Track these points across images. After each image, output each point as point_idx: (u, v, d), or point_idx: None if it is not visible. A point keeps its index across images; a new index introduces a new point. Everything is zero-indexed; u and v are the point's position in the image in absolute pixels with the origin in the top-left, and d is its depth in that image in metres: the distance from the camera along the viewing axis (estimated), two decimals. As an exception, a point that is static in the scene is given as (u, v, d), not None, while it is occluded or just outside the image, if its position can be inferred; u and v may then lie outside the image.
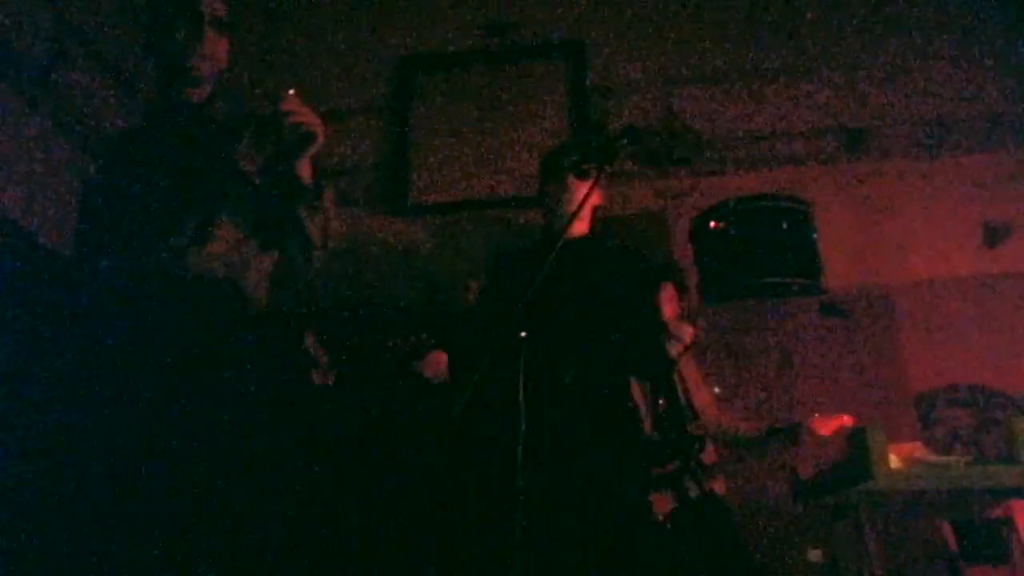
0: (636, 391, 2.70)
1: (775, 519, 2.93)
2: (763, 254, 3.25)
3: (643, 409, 2.72)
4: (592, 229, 2.49)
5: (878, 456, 1.62)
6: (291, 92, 1.71)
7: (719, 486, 2.74)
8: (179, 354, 1.67)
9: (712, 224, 3.38)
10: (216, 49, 1.92)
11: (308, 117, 1.69)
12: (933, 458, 1.64)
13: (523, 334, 1.87)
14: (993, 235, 4.13)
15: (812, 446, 2.69)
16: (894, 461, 1.68)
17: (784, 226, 3.30)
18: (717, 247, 3.35)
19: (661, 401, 2.78)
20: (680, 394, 2.80)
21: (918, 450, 1.69)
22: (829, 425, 2.68)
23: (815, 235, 3.39)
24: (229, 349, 1.75)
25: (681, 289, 2.94)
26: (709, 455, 2.75)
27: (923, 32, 4.45)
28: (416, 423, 2.77)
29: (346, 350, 2.89)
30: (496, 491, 2.05)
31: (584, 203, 2.25)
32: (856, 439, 1.71)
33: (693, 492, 2.60)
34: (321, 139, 1.75)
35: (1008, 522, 2.31)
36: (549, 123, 4.56)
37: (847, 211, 4.21)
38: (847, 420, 2.68)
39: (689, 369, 2.90)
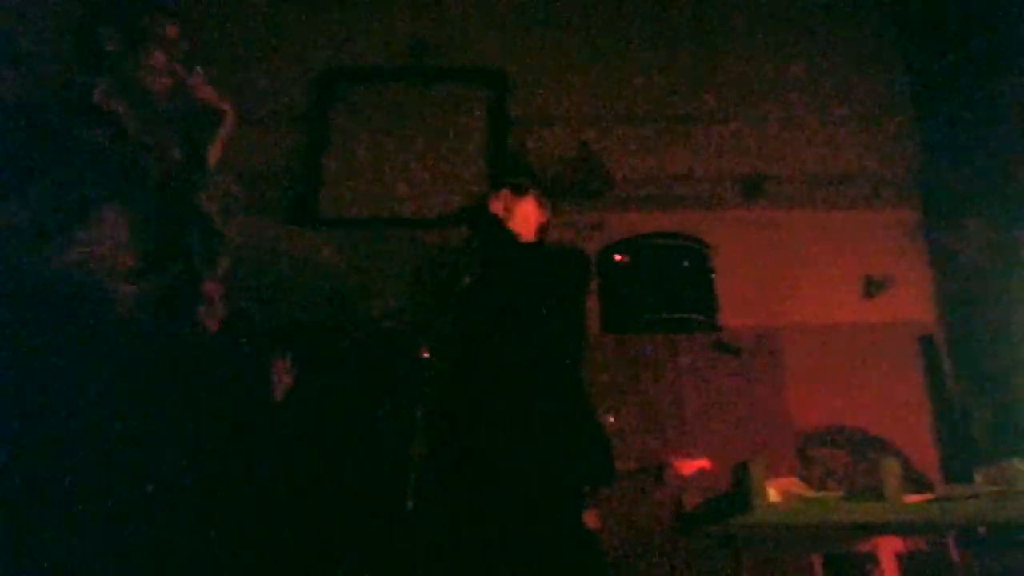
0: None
1: (662, 550, 3.01)
2: (664, 290, 3.38)
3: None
4: (539, 243, 2.51)
5: (757, 489, 1.69)
6: (198, 69, 1.65)
7: (591, 519, 2.77)
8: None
9: (617, 258, 3.49)
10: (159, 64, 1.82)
11: (215, 95, 1.63)
12: (808, 493, 1.73)
13: (425, 354, 1.86)
14: (872, 287, 4.41)
15: (674, 485, 2.80)
16: (772, 495, 1.76)
17: (685, 264, 3.44)
18: (620, 280, 3.46)
19: None
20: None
21: (795, 485, 1.78)
22: (690, 466, 2.81)
23: (713, 275, 3.55)
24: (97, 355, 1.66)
25: None
26: None
27: (821, 93, 4.75)
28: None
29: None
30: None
31: (524, 217, 2.28)
32: (738, 473, 1.78)
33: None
34: (231, 119, 1.70)
35: (872, 557, 2.44)
36: (467, 147, 4.59)
37: (743, 255, 4.41)
38: (707, 464, 2.82)
39: None
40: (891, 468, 1.70)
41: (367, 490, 2.31)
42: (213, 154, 1.70)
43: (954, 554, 2.37)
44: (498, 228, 2.33)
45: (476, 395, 2.13)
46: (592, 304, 3.70)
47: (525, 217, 2.39)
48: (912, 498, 1.71)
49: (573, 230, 4.39)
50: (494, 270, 2.28)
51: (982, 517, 1.71)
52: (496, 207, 2.38)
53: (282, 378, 2.41)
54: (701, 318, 3.35)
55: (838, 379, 4.19)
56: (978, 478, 1.79)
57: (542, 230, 2.48)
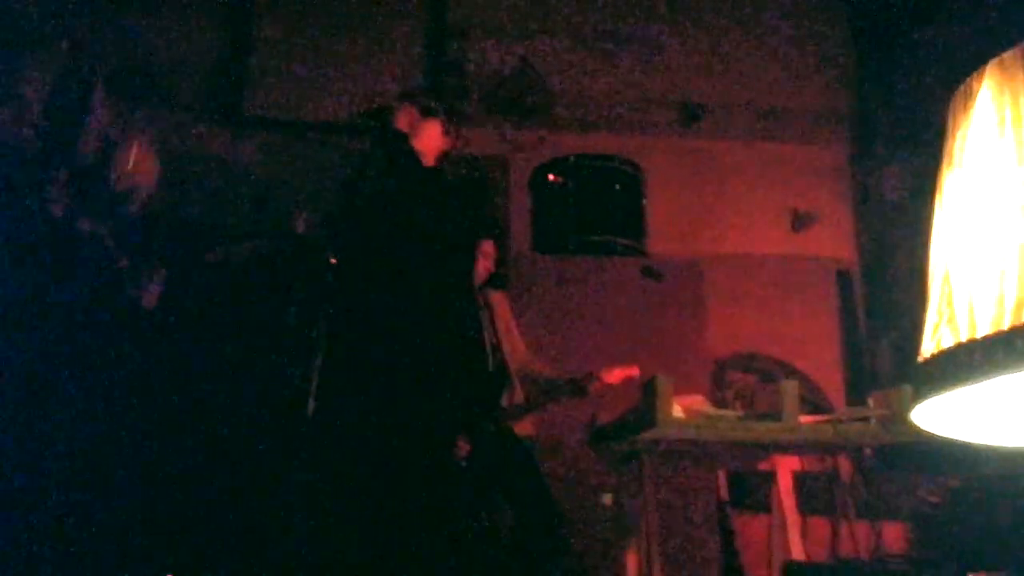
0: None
1: (575, 464, 3.10)
2: (595, 212, 3.38)
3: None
4: (437, 169, 2.44)
5: (663, 405, 1.74)
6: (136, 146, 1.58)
7: (526, 427, 2.84)
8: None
9: (551, 177, 3.46)
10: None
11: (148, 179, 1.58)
12: (711, 411, 1.79)
13: (332, 260, 1.82)
14: (798, 221, 4.51)
15: (600, 393, 2.86)
16: (677, 411, 1.82)
17: (617, 187, 3.44)
18: (553, 200, 3.45)
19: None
20: (488, 336, 2.87)
21: (700, 403, 1.84)
22: (616, 375, 2.86)
23: (644, 200, 3.56)
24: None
25: (499, 246, 3.01)
26: (516, 396, 2.85)
27: (763, 28, 4.72)
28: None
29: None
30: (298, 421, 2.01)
31: (427, 140, 2.22)
32: (647, 388, 1.83)
33: (492, 430, 2.69)
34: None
35: (772, 475, 2.57)
36: (403, 56, 4.43)
37: (675, 182, 4.44)
38: (635, 371, 2.86)
39: (504, 311, 2.98)
40: (790, 390, 1.77)
41: (272, 394, 2.29)
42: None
43: (844, 473, 2.52)
44: (400, 144, 2.26)
45: (373, 308, 2.11)
46: (523, 225, 3.70)
47: (428, 140, 2.32)
48: (807, 419, 1.79)
49: (509, 146, 4.33)
50: (392, 185, 2.23)
51: (871, 439, 1.80)
52: (401, 122, 2.30)
53: (148, 286, 2.35)
54: (630, 243, 3.38)
55: (757, 309, 4.32)
56: (871, 402, 1.88)
57: (444, 157, 2.41)
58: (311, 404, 1.73)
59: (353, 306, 2.06)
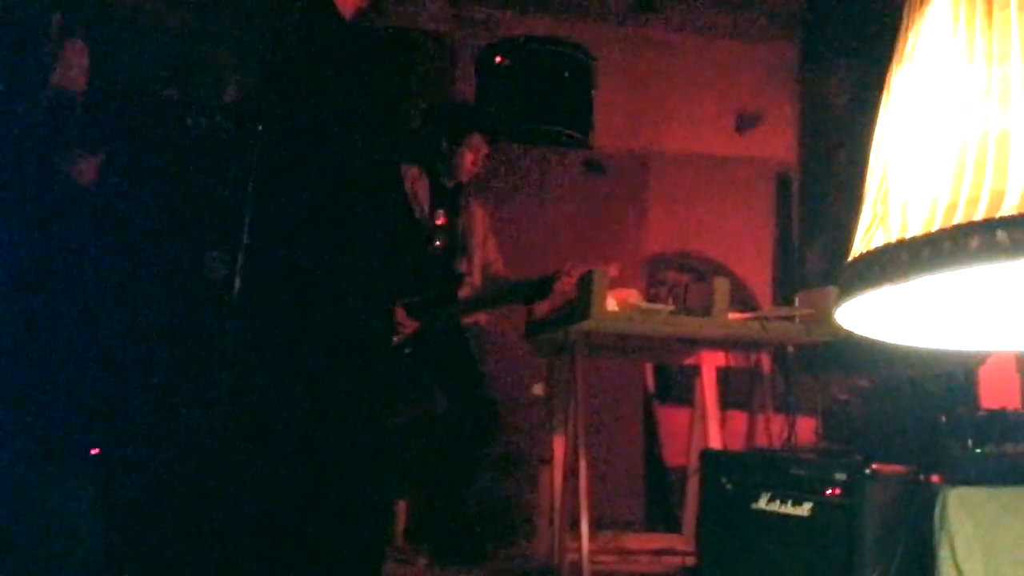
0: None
1: (509, 354, 3.14)
2: (542, 100, 3.29)
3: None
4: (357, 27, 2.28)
5: (598, 298, 1.75)
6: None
7: (480, 316, 2.86)
8: None
9: (498, 59, 3.34)
10: None
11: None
12: (643, 304, 1.81)
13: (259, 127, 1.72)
14: (744, 122, 4.49)
15: (565, 291, 2.86)
16: (612, 304, 1.83)
17: (567, 75, 3.34)
18: (499, 83, 3.33)
19: (438, 243, 2.80)
20: (459, 239, 2.84)
21: (633, 296, 1.86)
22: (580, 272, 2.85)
23: (593, 91, 3.48)
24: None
25: (492, 139, 2.89)
26: (465, 290, 2.85)
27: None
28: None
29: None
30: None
31: None
32: (583, 282, 1.83)
33: (439, 321, 2.71)
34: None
35: (697, 369, 2.66)
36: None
37: (623, 73, 4.34)
38: (613, 270, 2.86)
39: (481, 221, 2.95)
40: (720, 287, 1.80)
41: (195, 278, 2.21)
42: None
43: (765, 369, 2.62)
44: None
45: (297, 187, 2.03)
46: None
47: None
48: (735, 316, 1.83)
49: (460, 25, 4.13)
50: (311, 47, 2.10)
51: (795, 337, 1.86)
52: None
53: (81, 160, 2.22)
54: (576, 134, 3.31)
55: (695, 208, 4.35)
56: (797, 302, 1.93)
57: (360, 14, 2.26)
58: (236, 284, 1.67)
59: (280, 186, 1.97)
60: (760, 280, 4.39)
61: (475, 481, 2.89)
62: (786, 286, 4.40)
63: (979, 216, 0.86)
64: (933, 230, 0.88)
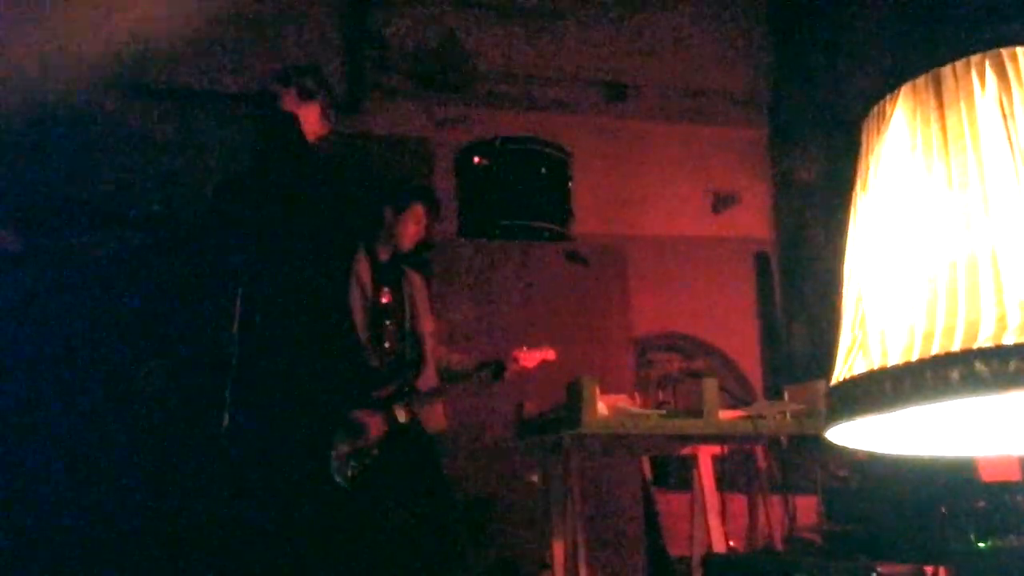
0: (358, 315, 2.68)
1: (499, 449, 3.10)
2: (520, 197, 3.36)
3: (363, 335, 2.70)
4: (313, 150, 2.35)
5: (588, 406, 1.75)
6: None
7: (434, 412, 2.79)
8: None
9: (476, 160, 3.41)
10: None
11: None
12: (635, 409, 1.81)
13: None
14: (719, 203, 4.60)
15: (518, 376, 2.85)
16: (602, 409, 1.83)
17: (543, 171, 3.42)
18: (478, 183, 3.40)
19: (388, 323, 2.77)
20: (407, 320, 2.82)
21: (624, 401, 1.86)
22: (533, 357, 2.86)
23: (570, 184, 3.56)
24: None
25: (434, 215, 2.92)
26: (427, 381, 2.83)
27: (686, 9, 4.73)
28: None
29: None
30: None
31: (304, 123, 2.17)
32: (572, 389, 1.83)
33: (402, 417, 2.65)
34: None
35: (694, 459, 2.63)
36: (321, 24, 4.26)
37: (599, 162, 4.45)
38: (550, 354, 2.87)
39: (420, 296, 2.93)
40: (709, 387, 1.80)
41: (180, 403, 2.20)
42: None
43: (761, 458, 2.60)
44: (288, 126, 2.19)
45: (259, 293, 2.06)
46: (448, 210, 3.64)
47: (306, 124, 2.26)
48: (727, 415, 1.83)
49: (432, 122, 4.25)
50: (272, 164, 2.18)
51: (787, 430, 1.86)
52: (287, 105, 2.23)
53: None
54: (556, 227, 3.37)
55: (678, 289, 4.40)
56: (786, 395, 1.94)
57: (320, 141, 2.34)
58: (225, 418, 1.66)
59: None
60: (748, 356, 4.41)
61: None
62: (774, 361, 4.42)
63: (956, 347, 0.88)
64: (913, 359, 0.90)
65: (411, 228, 2.85)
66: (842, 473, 3.61)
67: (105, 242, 3.18)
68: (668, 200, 4.56)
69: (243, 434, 1.80)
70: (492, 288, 3.35)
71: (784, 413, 1.84)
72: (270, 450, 1.96)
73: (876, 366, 0.94)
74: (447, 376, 2.85)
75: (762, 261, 4.57)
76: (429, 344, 2.87)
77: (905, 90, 1.04)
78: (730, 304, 4.46)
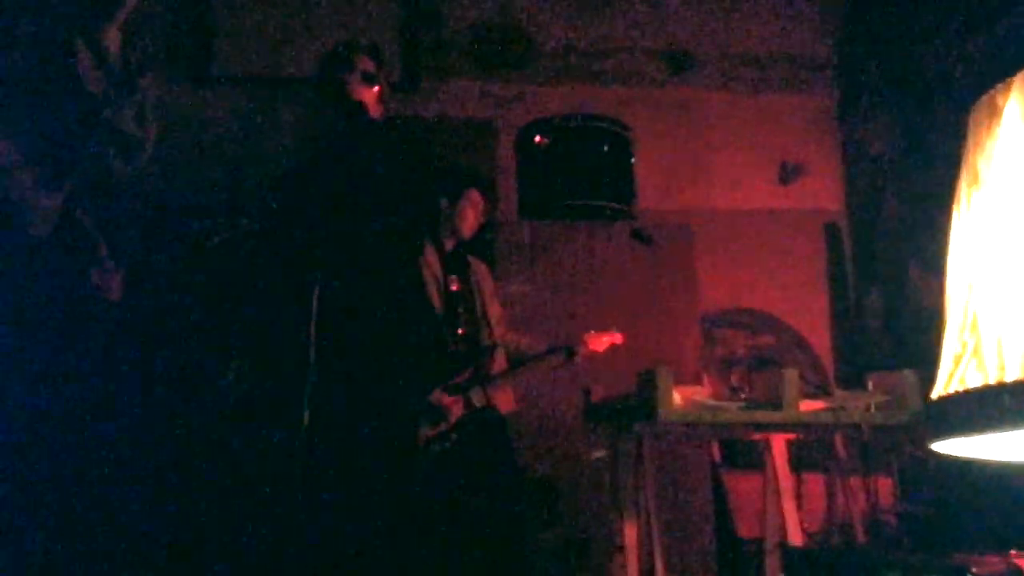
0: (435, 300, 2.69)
1: (564, 428, 3.10)
2: (582, 175, 3.30)
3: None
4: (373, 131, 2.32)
5: (664, 397, 1.72)
6: None
7: (506, 395, 2.82)
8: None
9: (537, 139, 3.37)
10: None
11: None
12: (712, 402, 1.77)
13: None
14: (787, 173, 4.45)
15: (587, 360, 2.86)
16: (677, 399, 1.79)
17: (605, 149, 3.35)
18: (539, 162, 3.36)
19: (460, 310, 2.79)
20: (477, 305, 2.83)
21: (699, 393, 1.82)
22: (602, 341, 2.86)
23: (633, 160, 3.48)
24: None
25: (489, 199, 2.92)
26: (498, 365, 2.84)
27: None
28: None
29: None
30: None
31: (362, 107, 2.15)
32: (646, 379, 1.80)
33: (479, 401, 2.68)
34: None
35: (767, 443, 2.58)
36: (373, 5, 4.23)
37: (663, 136, 4.35)
38: (618, 337, 2.87)
39: (487, 283, 2.94)
40: (790, 378, 1.75)
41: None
42: (112, 39, 1.48)
43: (839, 446, 2.53)
44: (356, 115, 2.17)
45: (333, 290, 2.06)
46: (510, 190, 3.61)
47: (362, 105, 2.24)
48: (807, 406, 1.78)
49: (491, 100, 4.20)
50: (340, 146, 2.16)
51: (870, 422, 1.80)
52: (355, 91, 2.20)
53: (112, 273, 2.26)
54: (619, 206, 3.31)
55: (744, 263, 4.29)
56: (870, 385, 1.87)
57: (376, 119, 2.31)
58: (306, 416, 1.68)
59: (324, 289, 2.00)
60: (817, 332, 4.29)
61: (537, 570, 2.85)
62: (844, 337, 4.29)
63: (1087, 362, 0.82)
64: (1037, 374, 0.84)
65: (469, 214, 2.85)
66: (919, 453, 3.50)
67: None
68: (733, 172, 4.43)
69: (326, 430, 1.82)
70: (555, 269, 3.32)
71: (869, 405, 1.78)
72: (356, 439, 1.98)
73: (993, 380, 0.88)
74: (518, 360, 2.86)
75: (832, 233, 4.42)
76: (498, 329, 2.89)
77: (1019, 81, 0.97)
78: (798, 278, 4.34)
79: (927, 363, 3.54)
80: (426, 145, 2.95)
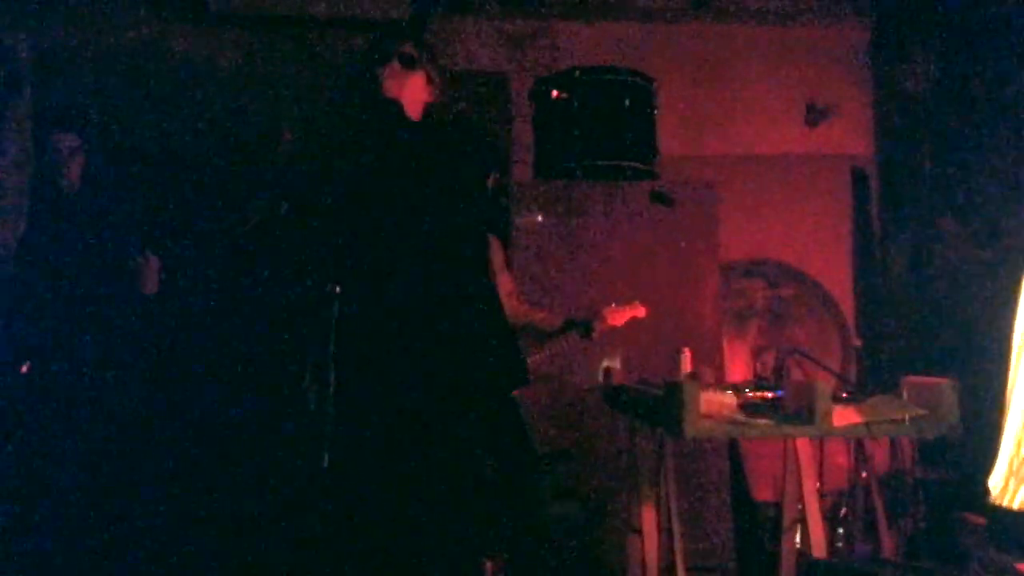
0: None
1: (581, 401, 3.06)
2: (602, 134, 3.14)
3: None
4: (424, 122, 2.19)
5: (690, 413, 1.66)
6: None
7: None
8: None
9: (554, 94, 3.19)
10: None
11: None
12: (741, 418, 1.70)
13: (336, 289, 1.67)
14: (814, 115, 4.24)
15: (606, 334, 2.80)
16: (704, 403, 1.73)
17: (626, 104, 3.18)
18: (556, 119, 3.19)
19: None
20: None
21: (727, 405, 1.75)
22: (623, 315, 2.79)
23: (655, 113, 3.30)
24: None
25: (499, 178, 2.82)
26: None
27: None
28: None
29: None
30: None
31: (411, 96, 2.01)
32: (671, 392, 1.74)
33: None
34: None
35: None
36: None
37: (684, 76, 4.14)
38: (640, 311, 2.79)
39: (497, 257, 2.84)
40: (822, 392, 1.68)
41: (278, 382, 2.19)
42: None
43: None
44: (390, 111, 2.02)
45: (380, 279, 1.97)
46: (524, 148, 3.46)
47: (411, 93, 2.07)
48: (840, 418, 1.71)
49: (508, 40, 3.99)
50: (383, 153, 2.02)
51: (905, 434, 1.73)
52: (390, 88, 2.04)
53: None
54: (641, 166, 3.16)
55: (766, 210, 4.15)
56: (905, 392, 1.80)
57: (429, 111, 2.15)
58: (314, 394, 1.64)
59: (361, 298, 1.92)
60: (841, 283, 4.19)
61: (555, 541, 2.88)
62: (867, 290, 4.19)
63: None
64: None
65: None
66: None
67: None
68: (757, 113, 4.23)
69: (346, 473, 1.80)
70: (573, 231, 3.21)
71: (903, 419, 1.71)
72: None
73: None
74: (535, 336, 2.79)
75: (860, 179, 4.25)
76: (510, 303, 2.80)
77: None
78: (822, 226, 4.20)
79: (952, 321, 3.47)
80: (477, 133, 2.77)
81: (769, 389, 2.01)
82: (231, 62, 3.97)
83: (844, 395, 1.88)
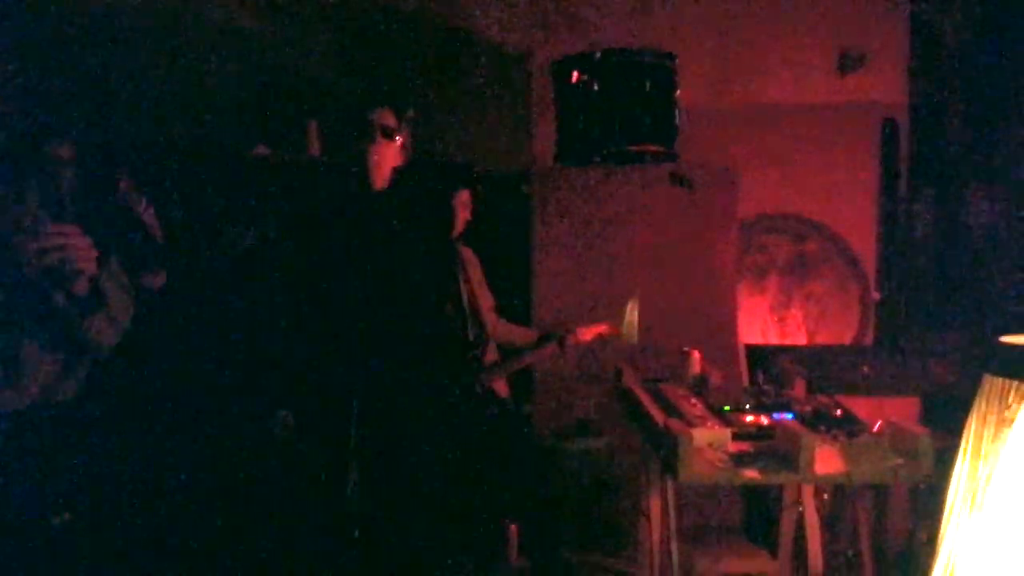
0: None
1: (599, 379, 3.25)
2: (624, 118, 3.17)
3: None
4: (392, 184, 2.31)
5: (684, 462, 1.84)
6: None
7: (499, 385, 3.01)
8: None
9: (575, 77, 3.20)
10: None
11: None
12: (732, 467, 1.88)
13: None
14: (847, 63, 4.14)
15: (575, 350, 3.07)
16: (698, 440, 1.91)
17: (648, 86, 3.18)
18: (577, 105, 3.21)
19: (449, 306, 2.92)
20: (464, 297, 2.93)
21: (723, 447, 1.93)
22: (591, 331, 3.00)
23: (676, 92, 3.30)
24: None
25: (475, 193, 2.97)
26: (489, 356, 2.99)
27: None
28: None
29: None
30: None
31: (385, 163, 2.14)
32: (668, 438, 1.91)
33: (478, 389, 2.87)
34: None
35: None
36: None
37: (710, 21, 4.04)
38: (604, 328, 3.00)
39: (475, 273, 3.02)
40: (807, 444, 1.84)
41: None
42: None
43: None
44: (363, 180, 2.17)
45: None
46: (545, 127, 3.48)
47: (381, 162, 2.20)
48: (823, 465, 1.88)
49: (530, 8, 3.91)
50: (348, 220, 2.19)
51: (884, 480, 1.89)
52: (371, 155, 2.19)
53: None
54: (661, 149, 3.20)
55: (791, 163, 4.14)
56: (885, 438, 1.95)
57: (397, 177, 2.27)
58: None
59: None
60: (865, 239, 4.21)
61: (569, 507, 3.16)
62: (891, 246, 4.21)
63: None
64: None
65: (461, 215, 2.95)
66: (952, 378, 3.59)
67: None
68: (787, 61, 4.14)
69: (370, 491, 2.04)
70: (595, 218, 3.30)
71: (882, 465, 1.87)
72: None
73: None
74: (512, 352, 3.01)
75: (890, 130, 4.18)
76: (489, 317, 2.99)
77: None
78: (850, 179, 4.18)
79: (973, 282, 3.52)
80: (442, 185, 2.90)
81: (766, 411, 2.18)
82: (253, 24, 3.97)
83: (828, 435, 2.03)
